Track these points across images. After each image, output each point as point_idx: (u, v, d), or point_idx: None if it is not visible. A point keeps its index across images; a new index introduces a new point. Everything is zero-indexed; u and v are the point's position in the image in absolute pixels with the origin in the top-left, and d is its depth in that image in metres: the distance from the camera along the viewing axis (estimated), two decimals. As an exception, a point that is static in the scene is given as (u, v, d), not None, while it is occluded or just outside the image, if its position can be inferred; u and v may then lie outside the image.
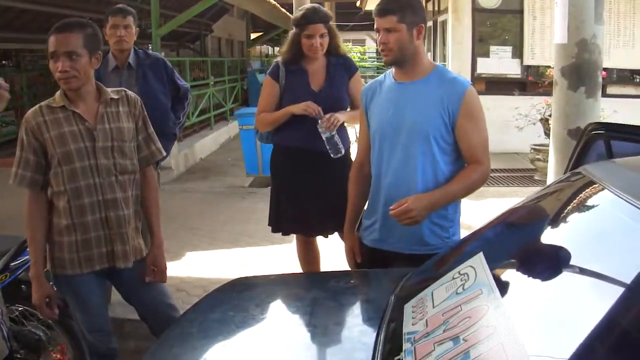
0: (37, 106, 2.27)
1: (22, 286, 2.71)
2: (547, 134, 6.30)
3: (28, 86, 10.64)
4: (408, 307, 1.59)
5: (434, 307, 1.49)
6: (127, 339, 3.27)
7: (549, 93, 5.76)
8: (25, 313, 2.77)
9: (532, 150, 7.19)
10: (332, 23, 3.12)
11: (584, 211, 1.67)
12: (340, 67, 3.12)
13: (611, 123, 2.46)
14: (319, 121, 2.94)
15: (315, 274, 3.04)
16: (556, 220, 1.72)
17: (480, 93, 2.43)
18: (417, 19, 2.22)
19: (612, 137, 2.14)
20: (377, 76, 2.59)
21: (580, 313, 1.21)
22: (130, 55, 3.46)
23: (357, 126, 2.72)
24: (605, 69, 5.52)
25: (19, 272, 2.67)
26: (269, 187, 3.37)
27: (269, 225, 3.32)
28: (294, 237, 3.46)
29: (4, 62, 12.43)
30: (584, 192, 1.68)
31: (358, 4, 15.97)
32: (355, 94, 3.04)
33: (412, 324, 1.48)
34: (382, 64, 5.81)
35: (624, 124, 2.23)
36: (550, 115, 5.34)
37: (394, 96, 2.30)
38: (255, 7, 13.74)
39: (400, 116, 2.25)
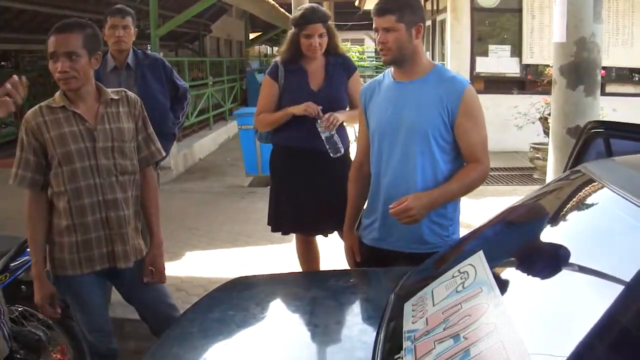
0: (37, 106, 2.27)
1: (22, 286, 2.71)
2: (547, 133, 6.30)
3: (27, 87, 10.60)
4: (408, 306, 1.60)
5: (434, 305, 1.49)
6: (127, 339, 3.27)
7: (548, 92, 5.76)
8: (25, 313, 2.77)
9: (531, 149, 7.19)
10: (331, 23, 3.13)
11: (584, 209, 1.67)
12: (339, 66, 3.12)
13: (610, 121, 2.46)
14: (319, 121, 2.94)
15: (315, 273, 3.04)
16: (556, 218, 1.73)
17: (479, 92, 2.43)
18: (415, 18, 2.22)
19: (611, 136, 2.14)
20: (376, 76, 2.59)
21: (580, 311, 1.21)
22: (129, 55, 3.46)
23: (357, 126, 2.72)
24: (604, 68, 5.50)
25: (19, 272, 2.67)
26: (268, 187, 3.37)
27: (268, 224, 3.32)
28: (293, 236, 3.46)
29: (3, 63, 12.42)
30: (583, 191, 1.69)
31: (357, 3, 15.94)
32: (354, 94, 3.04)
33: (412, 323, 1.48)
34: (381, 63, 5.81)
35: (623, 122, 2.23)
36: (549, 114, 5.35)
37: (393, 95, 2.30)
38: (254, 7, 13.73)
39: (399, 115, 2.25)
